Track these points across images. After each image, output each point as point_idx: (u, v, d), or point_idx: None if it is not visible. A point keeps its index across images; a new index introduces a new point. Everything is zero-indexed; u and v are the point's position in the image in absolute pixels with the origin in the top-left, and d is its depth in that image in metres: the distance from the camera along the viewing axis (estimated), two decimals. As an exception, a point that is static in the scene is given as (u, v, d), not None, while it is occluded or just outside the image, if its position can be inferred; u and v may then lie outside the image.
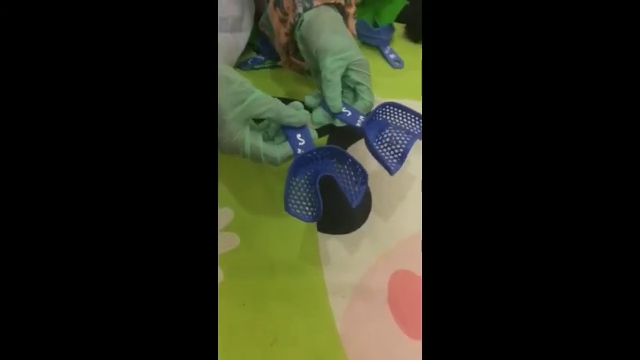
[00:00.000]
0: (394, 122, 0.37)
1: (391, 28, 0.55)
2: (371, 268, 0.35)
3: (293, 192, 0.32)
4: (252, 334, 0.32)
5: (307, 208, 0.31)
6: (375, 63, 0.53)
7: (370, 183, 0.40)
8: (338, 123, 0.35)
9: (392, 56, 0.53)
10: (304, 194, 0.32)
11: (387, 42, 0.55)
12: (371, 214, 0.38)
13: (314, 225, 0.37)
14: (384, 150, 0.35)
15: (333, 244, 0.36)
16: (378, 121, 0.36)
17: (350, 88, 0.35)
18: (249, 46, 0.52)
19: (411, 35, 0.57)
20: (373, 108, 0.35)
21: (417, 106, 0.47)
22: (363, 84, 0.35)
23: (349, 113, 0.34)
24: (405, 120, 0.37)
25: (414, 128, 0.36)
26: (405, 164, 0.41)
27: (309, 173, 0.32)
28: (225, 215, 0.37)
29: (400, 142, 0.35)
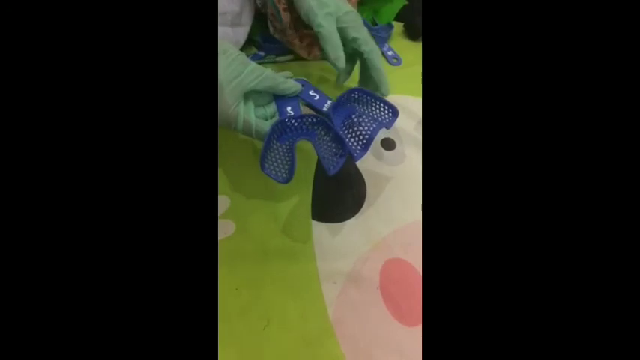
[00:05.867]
0: (361, 109, 0.36)
1: (390, 27, 0.56)
2: (363, 255, 0.35)
3: (272, 154, 0.33)
4: (245, 317, 0.32)
5: (283, 171, 0.33)
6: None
7: (364, 172, 0.41)
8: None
9: (390, 53, 0.54)
10: (282, 157, 0.33)
11: (386, 39, 0.56)
12: (365, 204, 0.39)
13: (308, 213, 0.38)
14: (349, 136, 0.35)
15: (326, 231, 0.37)
16: (345, 106, 0.36)
17: (349, 54, 0.37)
18: (250, 42, 0.53)
19: (409, 33, 0.58)
20: (341, 93, 0.35)
21: (414, 101, 0.48)
22: (358, 38, 0.36)
23: (317, 97, 0.35)
24: (372, 107, 0.36)
25: (381, 116, 0.36)
26: (403, 156, 0.42)
27: (291, 140, 0.33)
28: (221, 203, 0.38)
29: (366, 129, 0.35)
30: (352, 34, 0.36)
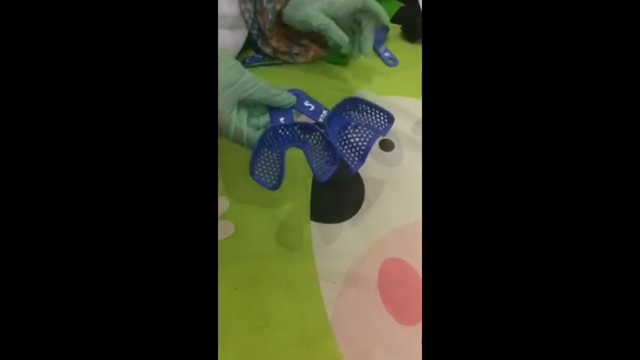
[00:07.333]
0: (357, 118, 0.36)
1: (386, 29, 0.56)
2: (362, 256, 0.35)
3: (262, 161, 0.33)
4: (244, 317, 0.32)
5: (272, 177, 0.33)
6: (369, 62, 0.54)
7: (363, 173, 0.41)
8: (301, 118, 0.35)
9: (386, 54, 0.54)
10: (272, 163, 0.33)
11: (382, 41, 0.56)
12: (363, 204, 0.39)
13: (307, 214, 0.38)
14: (346, 147, 0.35)
15: (325, 232, 0.37)
16: (340, 116, 0.36)
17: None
18: (249, 44, 0.53)
19: (407, 35, 0.58)
20: (337, 103, 0.35)
21: (412, 102, 0.48)
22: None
23: (312, 107, 0.35)
24: (367, 115, 0.36)
25: (377, 123, 0.36)
26: (401, 157, 0.43)
27: (282, 148, 0.33)
28: (220, 204, 0.38)
29: (362, 139, 0.34)
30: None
